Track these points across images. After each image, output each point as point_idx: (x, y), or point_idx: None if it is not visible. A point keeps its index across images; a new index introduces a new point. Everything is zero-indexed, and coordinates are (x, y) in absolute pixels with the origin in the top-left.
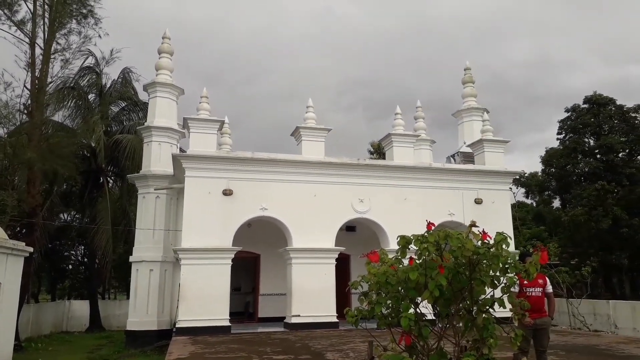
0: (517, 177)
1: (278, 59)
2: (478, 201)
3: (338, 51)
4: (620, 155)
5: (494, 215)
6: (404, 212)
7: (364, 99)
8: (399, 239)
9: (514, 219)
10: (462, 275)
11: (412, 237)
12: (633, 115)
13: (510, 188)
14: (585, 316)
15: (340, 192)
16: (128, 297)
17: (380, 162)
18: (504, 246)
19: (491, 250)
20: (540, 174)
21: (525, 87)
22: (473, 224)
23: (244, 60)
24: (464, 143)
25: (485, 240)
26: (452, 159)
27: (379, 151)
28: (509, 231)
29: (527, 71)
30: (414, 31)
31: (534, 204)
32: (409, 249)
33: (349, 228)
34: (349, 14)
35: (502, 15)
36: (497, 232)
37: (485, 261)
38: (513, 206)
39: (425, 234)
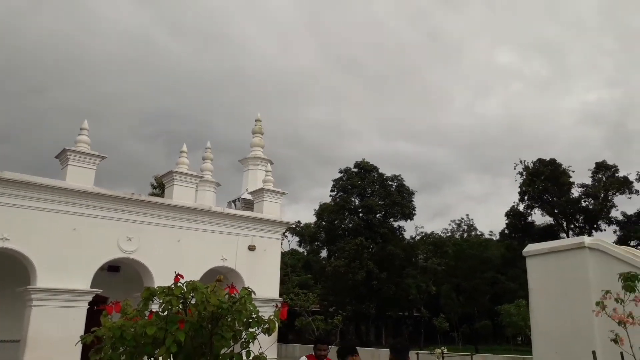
0: (294, 226)
1: (79, 73)
2: (251, 248)
3: (149, 80)
4: (377, 216)
5: (264, 262)
6: (176, 255)
7: (169, 132)
8: (144, 290)
9: (286, 266)
10: (205, 330)
11: (157, 289)
12: (390, 183)
13: (287, 236)
14: None
15: (106, 227)
16: None
17: (157, 199)
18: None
19: (235, 305)
20: (313, 225)
21: (319, 146)
22: (219, 279)
23: (37, 66)
24: (247, 190)
25: (233, 295)
26: (233, 204)
27: (162, 186)
28: (277, 278)
29: (323, 132)
30: (231, 77)
31: (305, 253)
32: (153, 301)
33: (112, 268)
34: (169, 47)
35: (308, 77)
36: (242, 287)
37: (229, 316)
38: (287, 254)
39: (172, 286)
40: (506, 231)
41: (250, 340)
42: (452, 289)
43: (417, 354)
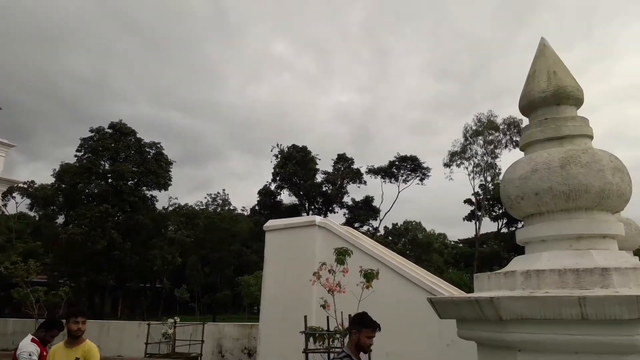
0: (24, 186)
1: None
2: None
3: None
4: (129, 183)
5: None
6: None
7: None
8: None
9: (10, 231)
10: None
11: None
12: (148, 150)
13: (14, 197)
14: None
15: None
16: None
17: None
18: None
19: None
20: (49, 187)
21: (77, 101)
22: None
23: None
24: None
25: None
26: None
27: None
28: None
29: (83, 86)
30: None
31: (37, 218)
32: None
33: None
34: None
35: (74, 22)
36: None
37: None
38: (12, 217)
39: None
40: (257, 208)
41: None
42: (199, 260)
43: (149, 324)
